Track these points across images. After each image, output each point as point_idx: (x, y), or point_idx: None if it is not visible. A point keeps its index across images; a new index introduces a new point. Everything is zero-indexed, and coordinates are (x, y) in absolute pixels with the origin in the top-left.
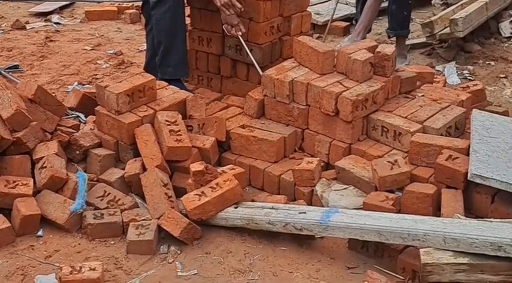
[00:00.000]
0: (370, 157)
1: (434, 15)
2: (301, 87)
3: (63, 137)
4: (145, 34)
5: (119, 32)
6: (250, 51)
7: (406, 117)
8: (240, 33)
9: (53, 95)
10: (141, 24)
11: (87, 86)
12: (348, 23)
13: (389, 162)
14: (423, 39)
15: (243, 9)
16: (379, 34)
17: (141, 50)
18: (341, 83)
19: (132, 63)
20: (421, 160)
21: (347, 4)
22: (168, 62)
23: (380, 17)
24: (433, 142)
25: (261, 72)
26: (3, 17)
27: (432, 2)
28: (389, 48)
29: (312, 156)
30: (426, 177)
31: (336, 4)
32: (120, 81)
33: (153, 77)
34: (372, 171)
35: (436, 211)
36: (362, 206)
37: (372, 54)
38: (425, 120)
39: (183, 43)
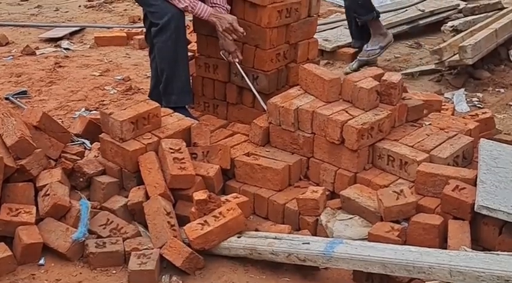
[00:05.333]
0: (375, 186)
1: (444, 41)
2: (306, 115)
3: (67, 164)
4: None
5: (128, 57)
6: (256, 78)
7: (412, 146)
8: (236, 60)
9: (60, 121)
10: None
11: (94, 112)
12: (356, 49)
13: (395, 192)
14: (432, 66)
15: (245, 34)
16: (388, 60)
17: (148, 76)
18: (347, 111)
19: (139, 89)
20: (428, 190)
21: None
22: (171, 90)
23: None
24: (440, 172)
25: (259, 99)
26: (13, 42)
27: (442, 28)
28: (395, 76)
29: (318, 184)
30: (433, 208)
31: None
32: (125, 108)
33: (157, 104)
34: (377, 201)
35: (443, 243)
36: (367, 237)
37: (377, 82)
38: (432, 149)
39: (185, 70)
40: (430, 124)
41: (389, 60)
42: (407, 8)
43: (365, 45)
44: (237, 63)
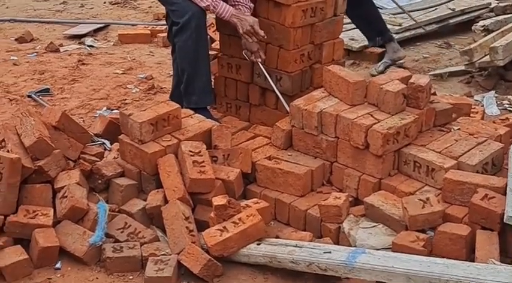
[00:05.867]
0: (401, 193)
1: (475, 41)
2: (330, 118)
3: (85, 165)
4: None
5: (151, 55)
6: (279, 79)
7: (440, 152)
8: (259, 59)
9: (81, 120)
10: None
11: (116, 111)
12: (383, 49)
13: (420, 200)
14: (462, 67)
15: (265, 37)
16: (416, 60)
17: (171, 75)
18: (372, 115)
19: (161, 88)
20: (455, 198)
21: None
22: (192, 90)
23: (418, 43)
24: (468, 180)
25: (282, 100)
26: (38, 39)
27: (473, 28)
28: (423, 79)
29: (341, 190)
30: (460, 217)
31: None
32: (145, 110)
33: (178, 106)
34: (402, 209)
35: (470, 254)
36: (391, 246)
37: (404, 85)
38: (460, 156)
39: (207, 70)
40: (458, 129)
41: (418, 61)
42: (437, 7)
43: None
44: (259, 63)
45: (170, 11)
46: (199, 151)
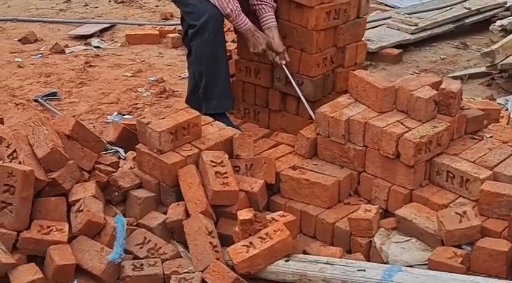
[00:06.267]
0: (434, 205)
1: (492, 42)
2: (358, 126)
3: (101, 177)
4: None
5: (161, 57)
6: (301, 84)
7: (474, 162)
8: (284, 62)
9: (91, 126)
10: (183, 49)
11: (127, 116)
12: (400, 50)
13: (457, 213)
14: (482, 69)
15: (288, 59)
16: (434, 62)
17: (183, 77)
18: (402, 123)
19: (174, 91)
20: (493, 211)
21: (399, 29)
22: (211, 95)
23: (434, 44)
24: (507, 192)
25: (306, 105)
26: (42, 39)
27: (490, 28)
28: (455, 85)
29: (369, 201)
30: (499, 231)
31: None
32: (163, 118)
33: (198, 113)
34: (437, 223)
35: (511, 271)
36: (426, 262)
37: (435, 91)
38: (495, 166)
39: (226, 73)
40: (491, 136)
41: (435, 62)
42: (452, 6)
43: None
44: (284, 66)
45: (185, 13)
46: (222, 162)
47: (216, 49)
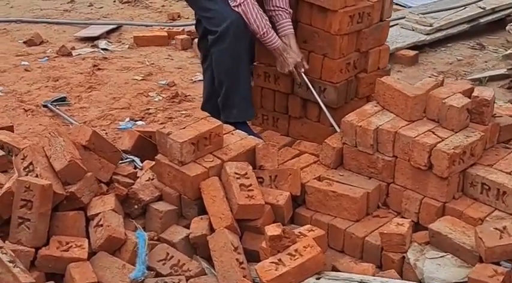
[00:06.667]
0: (468, 219)
1: (508, 42)
2: (387, 136)
3: (120, 190)
4: (199, 64)
5: (170, 59)
6: (323, 90)
7: (510, 173)
8: (302, 70)
9: (103, 133)
10: (193, 51)
11: (140, 122)
12: (416, 52)
13: (496, 229)
14: (500, 71)
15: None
16: (451, 63)
17: (194, 81)
18: (434, 132)
19: (186, 95)
20: None
21: (413, 30)
22: (232, 104)
23: (449, 44)
24: None
25: (328, 114)
26: (48, 41)
27: (507, 28)
28: (487, 92)
29: (398, 213)
30: None
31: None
32: (184, 127)
33: (220, 123)
34: (475, 239)
35: None
36: (464, 279)
37: (468, 99)
38: None
39: (247, 81)
40: None
41: (452, 64)
42: (466, 6)
43: None
44: (302, 74)
45: (204, 19)
46: (246, 173)
47: (238, 56)
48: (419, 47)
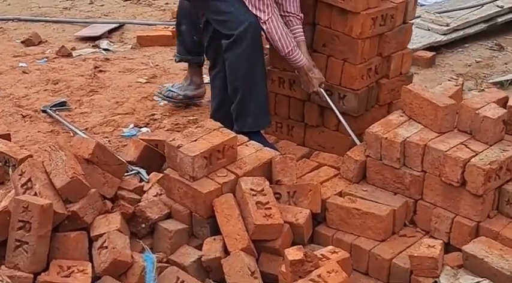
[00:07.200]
0: (506, 240)
1: None
2: (416, 149)
3: (126, 208)
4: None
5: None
6: (343, 98)
7: None
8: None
9: (106, 140)
10: None
11: (145, 129)
12: (433, 53)
13: None
14: None
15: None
16: (469, 65)
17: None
18: (466, 145)
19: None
20: None
21: (429, 30)
22: (247, 112)
23: (466, 45)
24: None
25: (350, 131)
26: (47, 41)
27: None
28: None
29: (427, 232)
30: None
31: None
32: (196, 140)
33: (234, 134)
34: None
35: None
36: None
37: (504, 110)
38: None
39: (263, 88)
40: None
41: (470, 66)
42: (483, 5)
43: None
44: (324, 92)
45: (217, 22)
46: (262, 190)
47: (254, 62)
48: (435, 48)
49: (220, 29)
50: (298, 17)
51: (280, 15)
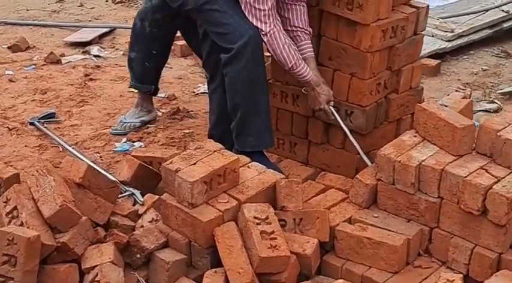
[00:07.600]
0: None
1: None
2: (432, 174)
3: (120, 237)
4: (201, 74)
5: (169, 68)
6: (350, 114)
7: None
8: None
9: (98, 156)
10: (194, 58)
11: (138, 143)
12: (438, 61)
13: None
14: None
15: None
16: (476, 74)
17: (197, 93)
18: (487, 170)
19: (188, 111)
20: None
21: (433, 36)
22: (248, 130)
23: (471, 51)
24: None
25: (361, 152)
26: (35, 46)
27: None
28: None
29: (443, 263)
30: None
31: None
32: (195, 163)
33: (236, 157)
34: None
35: None
36: None
37: None
38: None
39: (266, 105)
40: None
41: (477, 74)
42: (488, 10)
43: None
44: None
45: (215, 34)
46: (267, 217)
47: (256, 78)
48: (440, 55)
49: (218, 41)
50: (306, 31)
51: (287, 30)
